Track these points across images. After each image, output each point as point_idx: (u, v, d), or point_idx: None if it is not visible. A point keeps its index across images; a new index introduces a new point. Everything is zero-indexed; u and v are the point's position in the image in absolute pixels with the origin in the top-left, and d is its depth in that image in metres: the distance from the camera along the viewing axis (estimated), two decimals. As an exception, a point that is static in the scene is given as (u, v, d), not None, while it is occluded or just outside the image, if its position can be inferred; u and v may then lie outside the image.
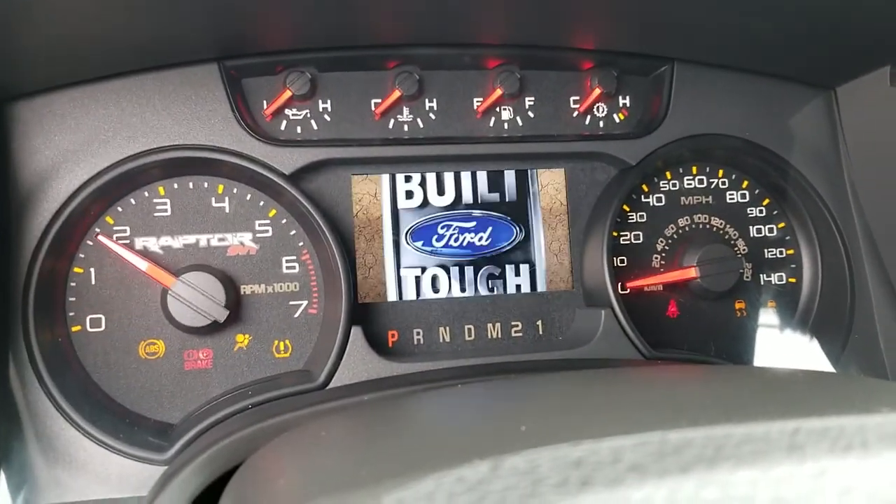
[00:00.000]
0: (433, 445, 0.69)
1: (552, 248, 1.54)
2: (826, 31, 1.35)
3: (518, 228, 1.53)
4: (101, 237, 1.35)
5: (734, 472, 0.45)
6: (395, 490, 0.46)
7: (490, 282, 1.51)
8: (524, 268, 1.53)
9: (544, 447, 0.52)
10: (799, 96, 1.60)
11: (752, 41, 1.44)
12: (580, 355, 1.42)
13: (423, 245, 1.50)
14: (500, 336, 1.51)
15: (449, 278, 1.50)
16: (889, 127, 1.47)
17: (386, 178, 1.49)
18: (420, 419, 0.85)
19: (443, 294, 1.49)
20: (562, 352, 1.42)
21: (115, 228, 1.37)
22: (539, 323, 1.53)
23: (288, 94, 1.42)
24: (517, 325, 1.52)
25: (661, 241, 1.59)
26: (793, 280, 1.65)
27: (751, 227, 1.64)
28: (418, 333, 1.48)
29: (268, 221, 1.43)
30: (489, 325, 1.51)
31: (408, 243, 1.49)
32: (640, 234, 1.58)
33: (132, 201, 1.38)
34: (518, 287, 1.52)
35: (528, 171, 1.54)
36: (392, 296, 1.48)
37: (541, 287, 1.53)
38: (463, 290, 1.50)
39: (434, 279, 1.49)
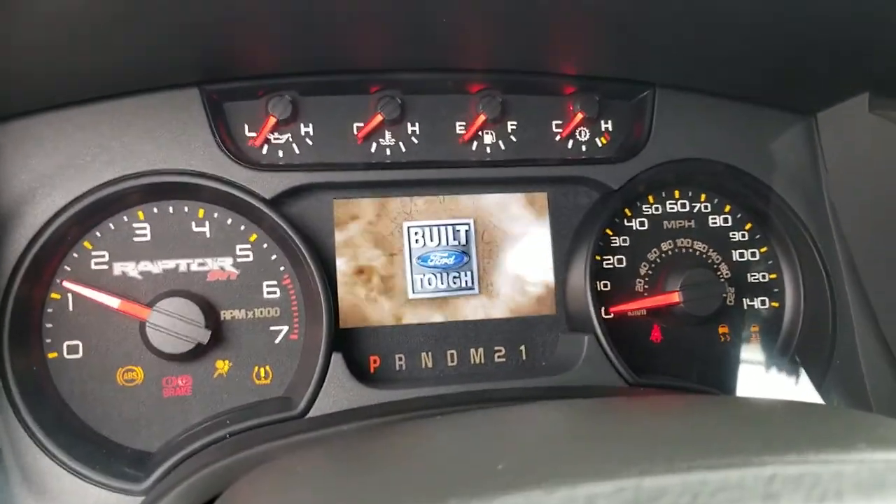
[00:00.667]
0: (408, 484, 0.68)
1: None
2: (805, 58, 1.36)
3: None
4: (65, 282, 1.33)
5: (709, 523, 0.44)
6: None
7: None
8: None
9: (518, 493, 0.51)
10: (780, 122, 1.61)
11: (732, 67, 1.45)
12: (563, 382, 1.41)
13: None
14: (482, 361, 1.50)
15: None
16: (868, 152, 1.48)
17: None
18: (396, 454, 0.84)
19: (425, 319, 1.49)
20: (545, 378, 1.41)
21: (94, 254, 1.36)
22: (522, 348, 1.52)
23: (272, 120, 1.41)
24: (500, 351, 1.51)
25: (645, 266, 1.59)
26: (775, 304, 1.65)
27: (733, 252, 1.64)
28: (400, 359, 1.47)
29: (248, 246, 1.42)
30: (472, 351, 1.50)
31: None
32: (623, 258, 1.58)
33: (111, 226, 1.37)
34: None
35: None
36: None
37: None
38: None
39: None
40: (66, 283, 1.33)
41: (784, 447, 0.59)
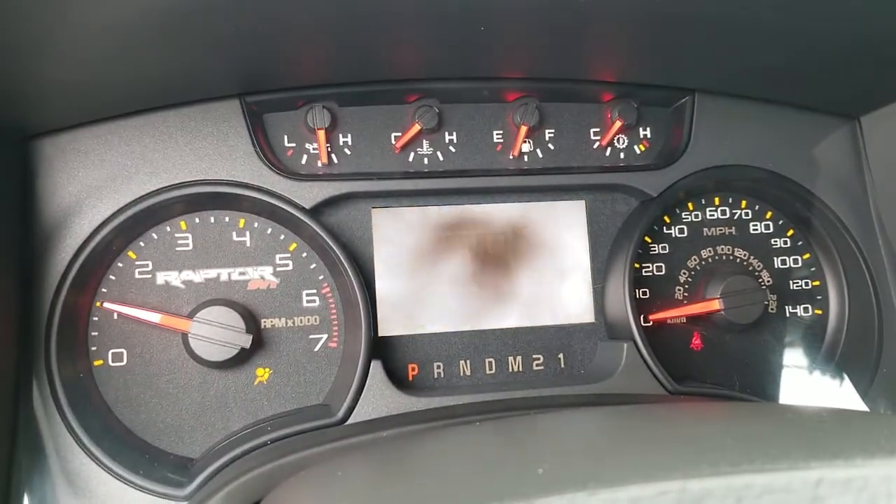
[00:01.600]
0: (449, 490, 0.68)
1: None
2: (849, 61, 1.33)
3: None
4: (106, 304, 1.36)
5: (755, 526, 0.43)
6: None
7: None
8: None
9: (560, 495, 0.51)
10: (822, 126, 1.59)
11: (773, 71, 1.43)
12: (602, 390, 1.40)
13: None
14: (521, 369, 1.50)
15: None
16: (915, 156, 1.45)
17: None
18: (436, 460, 0.84)
19: (465, 326, 1.49)
20: (584, 386, 1.40)
21: (138, 263, 1.38)
22: (561, 356, 1.51)
23: (322, 134, 1.43)
24: (538, 359, 1.51)
25: (684, 273, 1.57)
26: (819, 312, 1.62)
27: (775, 259, 1.62)
28: (438, 367, 1.47)
29: (288, 255, 1.44)
30: (510, 359, 1.50)
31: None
32: (663, 265, 1.57)
33: (154, 236, 1.39)
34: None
35: None
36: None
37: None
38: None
39: (454, 312, 1.49)
40: (106, 304, 1.36)
41: (831, 452, 0.58)
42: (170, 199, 1.35)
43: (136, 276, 1.38)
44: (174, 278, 1.39)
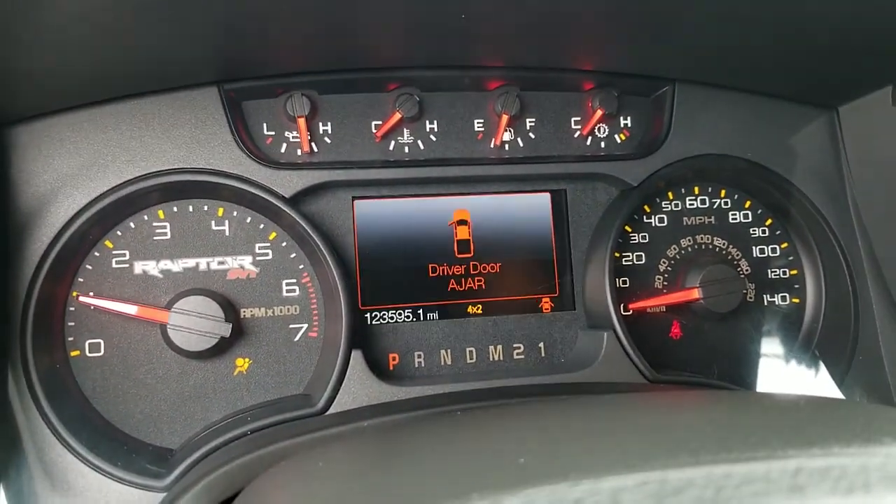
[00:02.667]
0: (430, 480, 0.68)
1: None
2: (828, 52, 1.34)
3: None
4: (81, 298, 1.34)
5: (735, 515, 0.44)
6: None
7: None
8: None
9: (542, 486, 0.51)
10: (801, 116, 1.60)
11: (753, 61, 1.44)
12: (582, 378, 1.41)
13: (423, 267, 1.49)
14: (501, 358, 1.50)
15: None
16: (891, 146, 1.46)
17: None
18: (418, 450, 0.83)
19: (445, 316, 1.49)
20: (564, 375, 1.41)
21: (115, 252, 1.37)
22: (541, 345, 1.52)
23: (302, 122, 1.42)
24: (519, 348, 1.51)
25: (664, 262, 1.58)
26: (796, 300, 1.64)
27: (753, 248, 1.63)
28: (419, 356, 1.47)
29: (268, 244, 1.43)
30: (490, 348, 1.50)
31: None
32: (643, 254, 1.58)
33: (131, 225, 1.38)
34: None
35: None
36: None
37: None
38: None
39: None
40: (82, 299, 1.34)
41: (808, 441, 0.58)
42: (147, 187, 1.33)
43: (114, 265, 1.36)
44: (152, 268, 1.38)
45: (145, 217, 1.38)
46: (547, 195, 1.55)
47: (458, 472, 0.67)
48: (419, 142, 1.50)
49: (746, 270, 1.61)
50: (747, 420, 0.74)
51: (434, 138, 1.50)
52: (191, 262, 1.39)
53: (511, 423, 0.92)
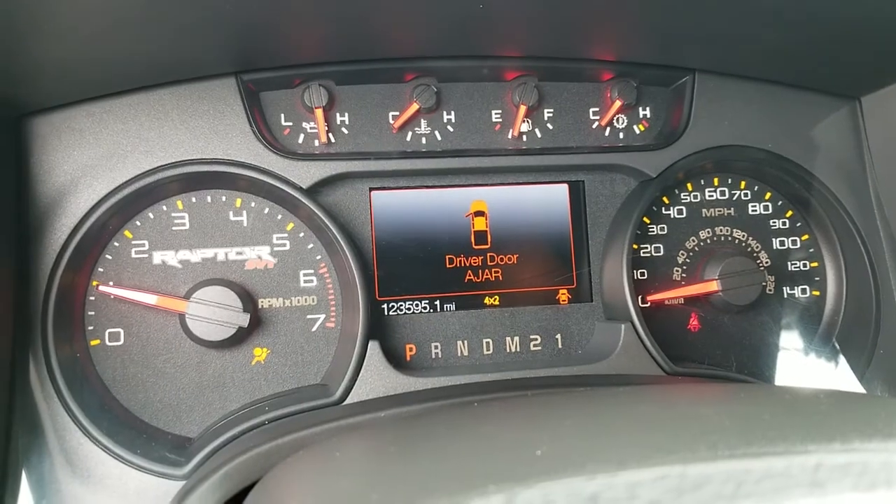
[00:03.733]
0: (447, 470, 0.68)
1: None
2: (850, 41, 1.32)
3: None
4: (101, 288, 1.35)
5: (754, 511, 0.43)
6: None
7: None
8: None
9: (559, 480, 0.51)
10: (823, 106, 1.58)
11: (774, 51, 1.42)
12: (600, 370, 1.40)
13: (440, 258, 1.49)
14: (518, 350, 1.50)
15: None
16: (915, 138, 1.45)
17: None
18: (435, 441, 0.84)
19: (463, 307, 1.49)
20: (581, 366, 1.40)
21: (134, 242, 1.38)
22: (558, 336, 1.51)
23: (320, 113, 1.42)
24: (536, 339, 1.51)
25: (682, 254, 1.57)
26: (816, 293, 1.62)
27: (773, 240, 1.61)
28: (436, 347, 1.47)
29: (285, 235, 1.43)
30: (507, 339, 1.50)
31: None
32: (661, 246, 1.57)
33: (150, 215, 1.39)
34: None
35: None
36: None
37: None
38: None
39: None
40: (102, 288, 1.35)
41: (829, 436, 0.58)
42: (166, 178, 1.34)
43: (133, 255, 1.37)
44: (171, 258, 1.39)
45: (164, 207, 1.39)
46: (565, 186, 1.54)
47: (474, 463, 0.67)
48: (436, 133, 1.49)
49: (766, 262, 1.60)
50: (766, 414, 0.73)
51: (451, 129, 1.50)
52: (209, 253, 1.40)
53: (528, 414, 0.92)
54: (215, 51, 1.31)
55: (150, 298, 1.34)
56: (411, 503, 0.49)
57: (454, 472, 0.66)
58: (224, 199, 1.41)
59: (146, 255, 1.38)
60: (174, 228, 1.39)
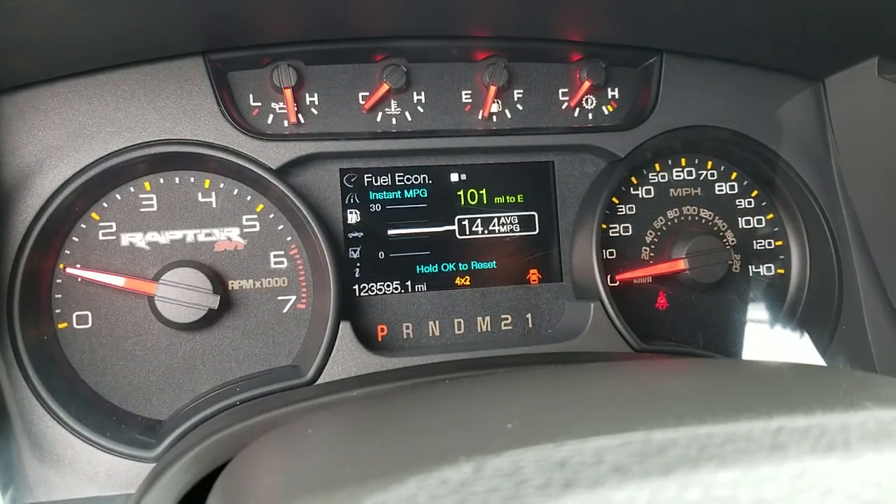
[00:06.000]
0: (418, 444, 0.69)
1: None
2: (814, 22, 1.34)
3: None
4: (68, 270, 1.33)
5: (717, 472, 0.45)
6: (377, 492, 0.45)
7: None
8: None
9: (528, 448, 0.51)
10: (788, 87, 1.60)
11: (739, 32, 1.43)
12: (570, 348, 1.42)
13: (411, 239, 1.49)
14: (489, 329, 1.51)
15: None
16: (876, 117, 1.47)
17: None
18: (406, 417, 0.84)
19: (434, 287, 1.49)
20: (551, 345, 1.42)
21: (101, 224, 1.36)
22: (528, 316, 1.53)
23: (289, 93, 1.41)
24: (507, 319, 1.52)
25: (651, 233, 1.59)
26: (781, 271, 1.65)
27: (739, 219, 1.64)
28: (407, 327, 1.48)
29: (255, 216, 1.43)
30: (478, 319, 1.51)
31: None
32: (630, 226, 1.58)
33: (118, 197, 1.37)
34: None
35: None
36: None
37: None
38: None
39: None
40: (69, 270, 1.33)
41: (791, 405, 0.59)
42: (133, 158, 1.32)
43: (100, 237, 1.36)
44: (139, 240, 1.37)
45: (131, 189, 1.38)
46: (535, 167, 1.55)
47: (446, 437, 0.68)
48: (406, 113, 1.49)
49: (732, 241, 1.62)
50: (731, 387, 0.75)
51: (421, 110, 1.49)
52: (178, 234, 1.39)
53: (498, 390, 0.93)
54: (182, 29, 1.29)
55: (118, 281, 1.33)
56: (384, 475, 0.50)
57: (425, 445, 0.67)
58: (192, 180, 1.40)
59: (114, 237, 1.36)
60: (142, 210, 1.38)
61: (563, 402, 0.79)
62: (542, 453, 0.48)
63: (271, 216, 1.43)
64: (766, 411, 0.55)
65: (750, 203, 1.65)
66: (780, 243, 1.65)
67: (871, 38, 1.38)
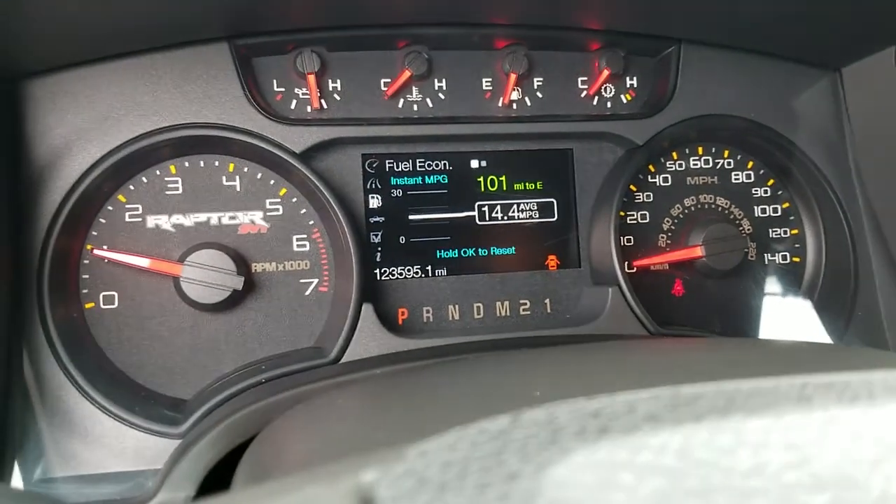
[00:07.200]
0: (449, 409, 0.71)
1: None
2: (830, 12, 1.35)
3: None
4: (95, 251, 1.36)
5: (746, 420, 0.46)
6: (419, 442, 0.47)
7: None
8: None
9: (562, 401, 0.53)
10: (804, 77, 1.61)
11: (757, 21, 1.45)
12: (588, 332, 1.44)
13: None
14: (508, 314, 1.53)
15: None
16: (893, 107, 1.48)
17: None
18: (436, 387, 0.86)
19: (455, 271, 1.51)
20: (569, 328, 1.44)
21: (128, 206, 1.39)
22: (547, 301, 1.55)
23: (312, 79, 1.43)
24: (525, 304, 1.54)
25: (668, 221, 1.60)
26: (797, 259, 1.66)
27: (755, 207, 1.65)
28: (428, 311, 1.50)
29: (278, 200, 1.45)
30: (497, 304, 1.53)
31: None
32: (647, 213, 1.60)
33: (144, 179, 1.40)
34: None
35: None
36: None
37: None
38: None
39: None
40: (96, 252, 1.36)
41: (814, 367, 0.61)
42: (159, 142, 1.35)
43: (127, 219, 1.38)
44: (164, 222, 1.40)
45: (157, 172, 1.40)
46: (554, 154, 1.56)
47: (479, 401, 0.70)
48: (428, 100, 1.51)
49: (748, 229, 1.64)
50: (755, 357, 0.77)
51: (442, 96, 1.52)
52: (202, 217, 1.41)
53: (523, 364, 0.95)
54: (208, 15, 1.31)
55: (143, 262, 1.36)
56: (421, 435, 0.52)
57: (460, 408, 0.69)
58: (217, 163, 1.43)
59: (140, 220, 1.39)
60: (167, 192, 1.40)
61: (587, 371, 0.81)
62: (576, 405, 0.50)
63: (294, 200, 1.45)
64: (791, 371, 0.57)
65: (766, 192, 1.66)
66: (795, 231, 1.67)
67: (887, 28, 1.39)
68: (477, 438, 0.47)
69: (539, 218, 1.56)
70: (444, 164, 1.52)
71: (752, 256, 1.63)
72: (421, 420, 0.68)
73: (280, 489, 0.45)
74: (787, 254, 1.66)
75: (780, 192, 1.67)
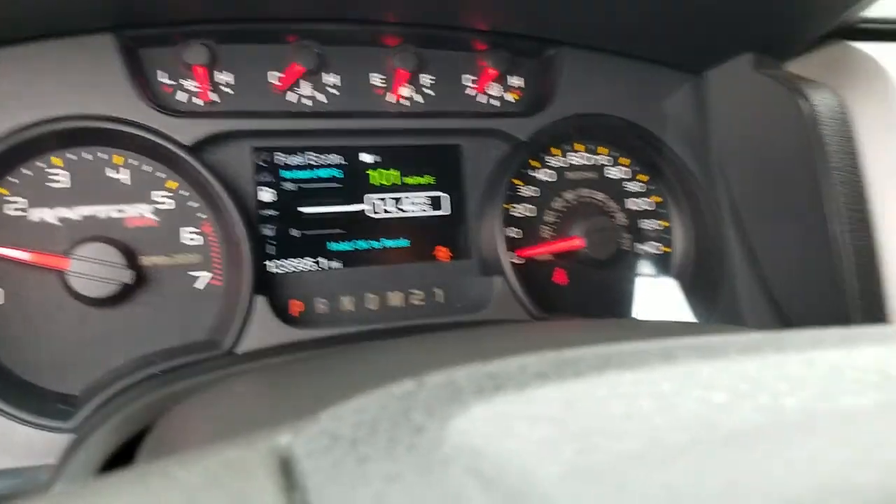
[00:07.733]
0: (352, 386, 0.74)
1: None
2: (693, 19, 1.48)
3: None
4: None
5: (620, 375, 0.53)
6: (331, 407, 0.51)
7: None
8: (422, 239, 1.61)
9: (461, 367, 0.58)
10: (672, 80, 1.74)
11: (629, 27, 1.56)
12: (476, 319, 1.50)
13: (324, 217, 1.54)
14: (402, 304, 1.57)
15: (350, 249, 1.56)
16: (750, 108, 1.62)
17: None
18: (335, 370, 0.90)
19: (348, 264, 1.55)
20: (460, 316, 1.51)
21: (10, 199, 1.34)
22: (439, 291, 1.60)
23: (201, 71, 1.42)
24: (418, 294, 1.59)
25: (550, 214, 1.69)
26: (668, 249, 1.79)
27: (630, 201, 1.77)
28: (322, 303, 1.53)
29: (168, 193, 1.44)
30: (390, 294, 1.57)
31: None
32: (532, 206, 1.68)
33: (27, 172, 1.36)
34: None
35: None
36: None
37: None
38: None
39: (336, 250, 1.55)
40: None
41: (681, 334, 0.69)
42: (42, 133, 1.31)
43: (10, 213, 1.34)
44: (49, 215, 1.36)
45: (42, 164, 1.36)
46: (443, 149, 1.62)
47: (377, 380, 0.74)
48: (319, 94, 1.54)
49: (624, 222, 1.75)
50: (629, 329, 0.85)
51: (334, 91, 1.55)
52: (89, 210, 1.39)
53: (415, 348, 1.00)
54: (91, 5, 1.29)
55: (27, 256, 1.32)
56: (330, 403, 0.55)
57: (359, 386, 0.72)
58: (104, 156, 1.40)
59: (23, 213, 1.35)
60: (52, 185, 1.37)
61: (475, 351, 0.87)
62: (473, 369, 0.55)
63: (184, 193, 1.45)
64: (660, 337, 0.64)
65: (640, 187, 1.78)
66: (666, 224, 1.80)
67: (745, 35, 1.53)
68: (385, 401, 0.52)
69: (430, 211, 1.61)
70: (336, 158, 1.55)
71: (627, 247, 1.75)
72: (326, 395, 0.72)
73: (197, 457, 0.47)
74: (659, 244, 1.78)
75: (652, 187, 1.79)
